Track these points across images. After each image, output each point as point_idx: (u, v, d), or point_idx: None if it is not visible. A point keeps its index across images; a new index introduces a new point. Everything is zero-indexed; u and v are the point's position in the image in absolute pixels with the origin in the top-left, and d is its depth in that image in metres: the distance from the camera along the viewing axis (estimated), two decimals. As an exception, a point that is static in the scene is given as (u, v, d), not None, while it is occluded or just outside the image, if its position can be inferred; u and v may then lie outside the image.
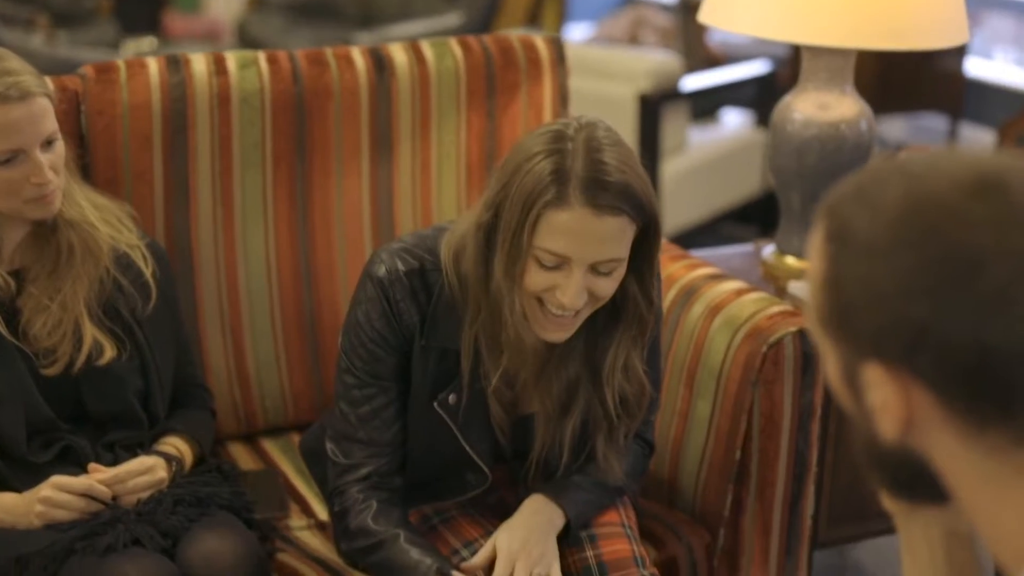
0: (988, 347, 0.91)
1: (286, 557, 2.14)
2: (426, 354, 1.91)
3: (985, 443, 0.95)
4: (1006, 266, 0.91)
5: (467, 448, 1.94)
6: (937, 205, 0.94)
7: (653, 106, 4.47)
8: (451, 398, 1.91)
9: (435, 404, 1.91)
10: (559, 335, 1.83)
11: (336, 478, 1.96)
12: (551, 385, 1.92)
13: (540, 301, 1.80)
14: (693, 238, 4.53)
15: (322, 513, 2.28)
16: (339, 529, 1.98)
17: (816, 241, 1.04)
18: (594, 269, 1.76)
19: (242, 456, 2.48)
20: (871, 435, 1.03)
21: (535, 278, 1.77)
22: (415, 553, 1.85)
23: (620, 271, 1.80)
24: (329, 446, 1.98)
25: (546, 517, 1.93)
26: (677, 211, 4.63)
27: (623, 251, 1.79)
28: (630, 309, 1.88)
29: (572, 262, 1.74)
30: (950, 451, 0.97)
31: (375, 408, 1.93)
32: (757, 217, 5.07)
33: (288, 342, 2.50)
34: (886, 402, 0.98)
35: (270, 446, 2.51)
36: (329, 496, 2.00)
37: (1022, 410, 0.92)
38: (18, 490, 1.98)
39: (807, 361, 2.21)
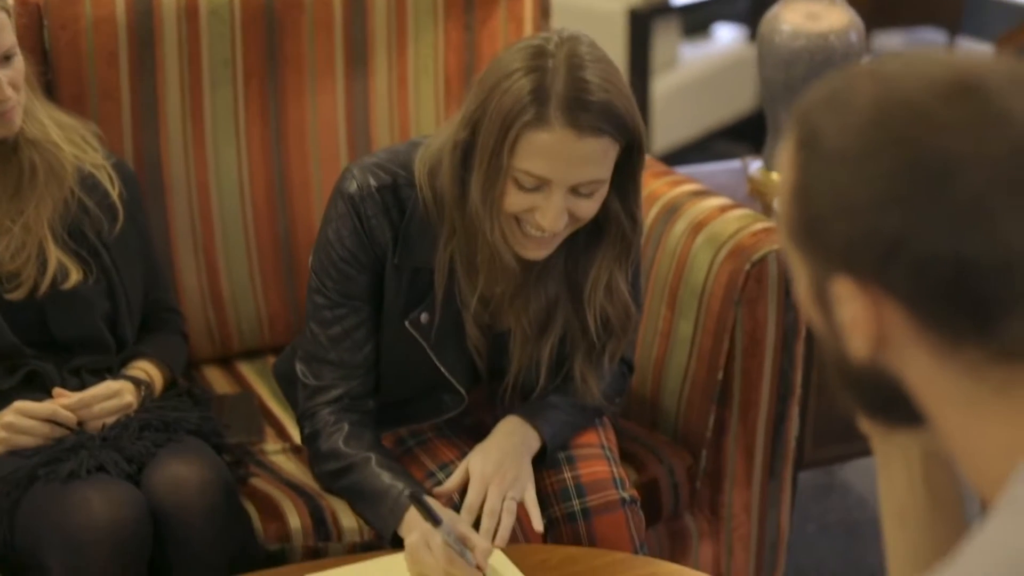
0: (964, 259, 0.85)
1: (260, 482, 2.10)
2: (398, 273, 1.86)
3: (960, 361, 0.89)
4: (983, 173, 0.85)
5: (442, 369, 1.89)
6: (910, 109, 0.88)
7: (643, 21, 4.37)
8: (423, 317, 1.86)
9: (407, 323, 1.86)
10: (538, 253, 1.78)
11: (306, 400, 1.92)
12: (528, 304, 1.87)
13: (518, 221, 1.74)
14: (684, 156, 4.45)
15: (297, 437, 2.23)
16: (311, 452, 1.94)
17: (786, 150, 0.98)
18: (575, 191, 1.71)
19: (217, 379, 2.43)
20: (841, 354, 0.97)
21: (513, 200, 1.71)
22: (387, 477, 1.82)
23: (602, 192, 1.75)
24: (299, 367, 1.93)
25: (520, 439, 1.88)
26: (668, 129, 4.56)
27: (605, 172, 1.73)
28: (613, 228, 1.83)
29: (552, 184, 1.69)
30: (924, 371, 0.92)
31: (346, 329, 1.88)
32: (750, 135, 4.98)
33: (263, 263, 2.44)
34: (856, 318, 0.92)
35: (246, 369, 2.47)
36: (300, 419, 1.96)
37: (999, 326, 0.86)
38: (-18, 416, 1.94)
39: (790, 279, 2.16)
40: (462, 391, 1.92)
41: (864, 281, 0.91)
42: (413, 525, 1.73)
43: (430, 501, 1.72)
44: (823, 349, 1.02)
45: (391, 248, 1.85)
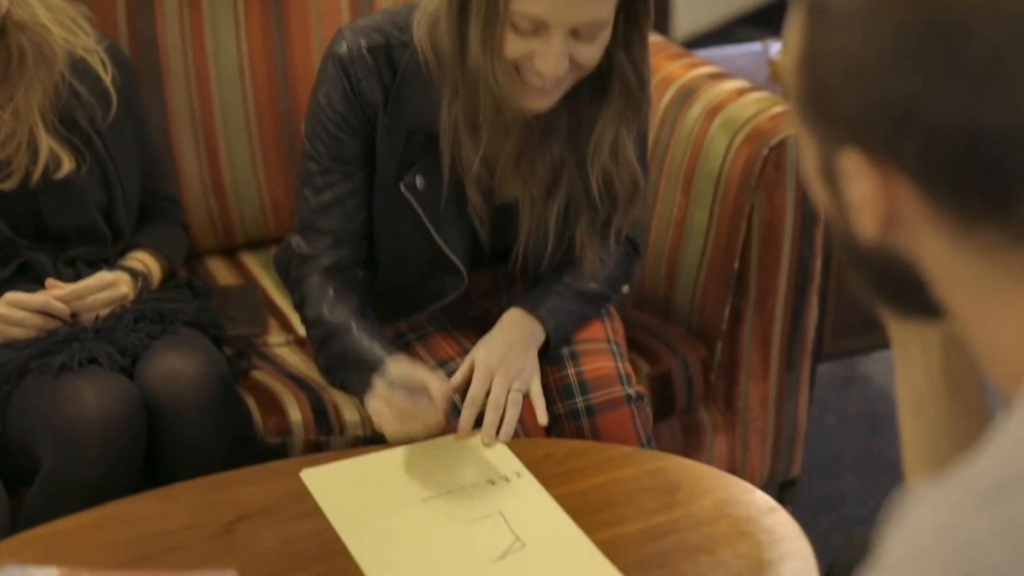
0: (978, 128, 0.77)
1: (261, 375, 2.05)
2: (391, 135, 1.80)
3: (977, 243, 0.82)
4: (999, 32, 0.76)
5: (439, 242, 1.83)
6: None
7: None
8: (419, 181, 1.81)
9: (401, 185, 1.80)
10: (540, 103, 1.72)
11: (297, 268, 1.89)
12: (534, 166, 1.81)
13: (519, 69, 1.68)
14: (706, 42, 4.33)
15: (301, 329, 2.18)
16: (300, 318, 1.93)
17: (794, 16, 0.90)
18: (575, 34, 1.64)
19: (221, 271, 2.38)
20: (849, 234, 0.90)
21: (512, 46, 1.65)
22: (365, 343, 1.79)
23: (604, 36, 1.68)
24: (293, 238, 1.89)
25: (526, 331, 1.83)
26: (689, 13, 4.44)
27: (605, 13, 1.66)
28: (617, 82, 1.76)
29: (551, 27, 1.62)
30: (937, 253, 0.85)
31: (338, 196, 1.84)
32: (775, 22, 4.85)
33: (265, 150, 2.37)
34: (865, 195, 0.85)
35: (250, 260, 2.41)
36: (291, 288, 1.93)
37: (1016, 204, 0.79)
38: (-26, 308, 1.89)
39: (810, 164, 2.07)
40: (461, 268, 1.86)
41: (873, 154, 0.84)
42: (372, 391, 1.68)
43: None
44: (830, 229, 0.95)
45: (382, 107, 1.79)
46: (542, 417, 1.75)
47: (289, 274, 1.97)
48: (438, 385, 1.65)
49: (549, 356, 1.86)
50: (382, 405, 1.67)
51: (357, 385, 1.78)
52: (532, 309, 1.85)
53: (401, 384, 1.62)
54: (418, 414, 1.64)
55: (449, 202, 1.82)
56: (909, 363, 1.11)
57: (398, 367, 1.65)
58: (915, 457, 1.12)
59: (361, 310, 1.85)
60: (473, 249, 1.89)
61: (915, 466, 1.12)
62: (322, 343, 1.86)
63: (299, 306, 1.90)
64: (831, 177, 0.89)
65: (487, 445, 1.69)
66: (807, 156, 0.92)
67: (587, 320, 1.92)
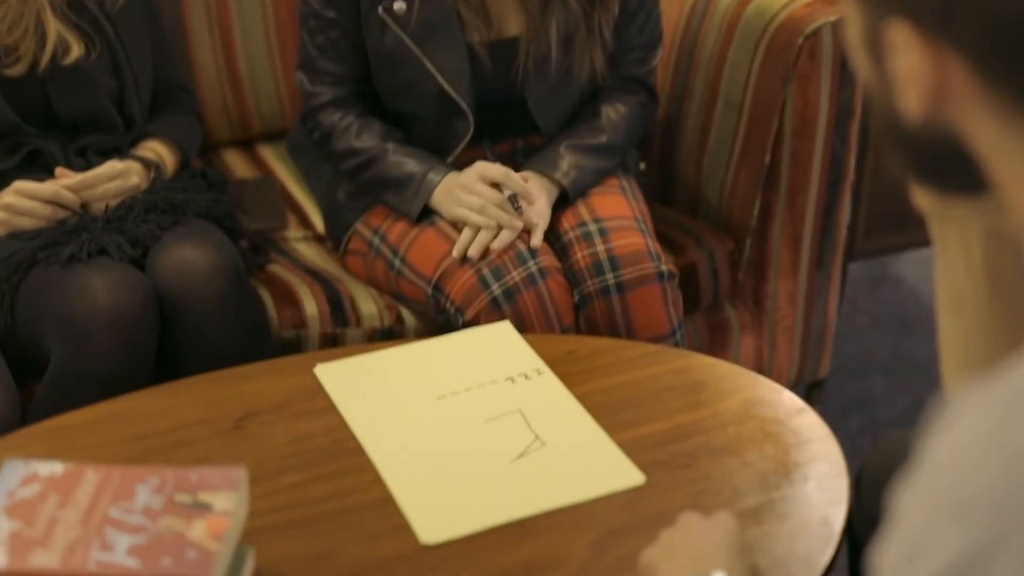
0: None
1: (277, 268, 2.01)
2: None
3: (1030, 124, 0.75)
4: None
5: (431, 70, 1.84)
6: None
7: None
8: (397, 5, 1.83)
9: (379, 9, 1.83)
10: None
11: (305, 104, 1.95)
12: None
13: None
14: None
15: (320, 225, 2.13)
16: (326, 155, 1.96)
17: None
18: None
19: (238, 163, 2.32)
20: (892, 110, 0.84)
21: None
22: (409, 164, 1.86)
23: None
24: (297, 76, 1.96)
25: (537, 186, 1.86)
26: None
27: None
28: None
29: None
30: (987, 133, 0.79)
31: (331, 38, 1.90)
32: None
33: (281, 37, 2.30)
34: (912, 69, 0.78)
35: (267, 152, 2.35)
36: (303, 122, 1.97)
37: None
38: (-18, 198, 1.84)
39: (847, 54, 1.99)
40: (464, 106, 1.86)
41: (924, 29, 0.78)
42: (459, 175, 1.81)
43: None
44: (872, 104, 0.89)
45: None
46: (536, 240, 1.80)
47: (303, 153, 1.98)
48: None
49: (576, 235, 1.86)
50: (475, 178, 1.80)
51: (404, 202, 1.86)
52: (543, 168, 1.88)
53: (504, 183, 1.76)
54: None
55: (440, 31, 1.83)
56: (949, 259, 1.06)
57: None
58: (953, 357, 1.07)
59: (390, 132, 1.89)
60: (479, 88, 1.88)
61: (953, 366, 1.08)
62: (358, 170, 1.90)
63: (322, 143, 1.93)
64: (876, 49, 0.83)
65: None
66: (852, 26, 0.86)
67: (604, 173, 1.93)
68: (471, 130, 1.88)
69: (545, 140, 1.94)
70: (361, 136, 1.88)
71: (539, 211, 1.82)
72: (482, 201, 1.79)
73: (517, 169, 1.88)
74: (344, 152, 1.90)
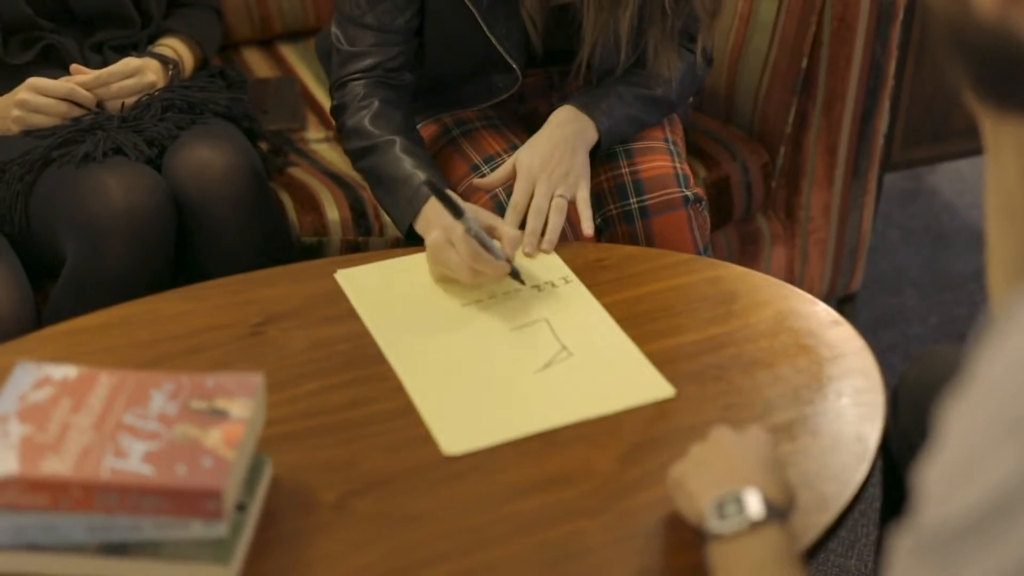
0: None
1: (298, 172, 1.96)
2: None
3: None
4: None
5: (493, 40, 1.70)
6: None
7: None
8: None
9: None
10: None
11: (339, 67, 1.73)
12: None
13: None
14: None
15: (341, 125, 2.08)
16: (337, 125, 1.76)
17: None
18: None
19: (258, 63, 2.27)
20: (961, 10, 0.78)
21: None
22: (408, 164, 1.63)
23: None
24: (334, 31, 1.74)
25: (574, 130, 1.68)
26: None
27: None
28: None
29: None
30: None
31: None
32: None
33: (305, -68, 2.24)
34: (987, -37, 0.72)
35: (288, 51, 2.29)
36: (331, 88, 1.77)
37: None
38: (-3, 94, 1.79)
39: (891, -46, 1.92)
40: (515, 67, 1.73)
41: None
42: (433, 221, 1.56)
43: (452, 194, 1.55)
44: (932, 6, 0.83)
45: None
46: (587, 227, 1.62)
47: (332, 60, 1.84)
48: (512, 235, 1.52)
49: (601, 155, 1.74)
50: (444, 243, 1.51)
51: (394, 206, 1.64)
52: (585, 107, 1.71)
53: (471, 225, 1.48)
54: (483, 264, 1.49)
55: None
56: (1002, 167, 1.00)
57: (471, 208, 1.51)
58: (1002, 267, 1.02)
59: (406, 127, 1.70)
60: (525, 45, 1.75)
61: (1001, 277, 1.03)
62: (360, 154, 1.70)
63: (336, 111, 1.75)
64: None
65: (528, 255, 1.59)
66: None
67: (647, 126, 1.78)
68: (516, 86, 1.76)
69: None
70: (376, 120, 1.68)
71: (582, 198, 1.64)
72: (456, 259, 1.51)
73: (552, 103, 1.76)
74: (352, 129, 1.70)
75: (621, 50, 1.70)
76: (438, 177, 1.62)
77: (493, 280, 1.52)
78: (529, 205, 1.62)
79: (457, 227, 1.49)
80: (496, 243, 1.50)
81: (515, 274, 1.52)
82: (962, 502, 0.68)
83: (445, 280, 1.54)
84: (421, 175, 1.61)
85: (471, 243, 1.48)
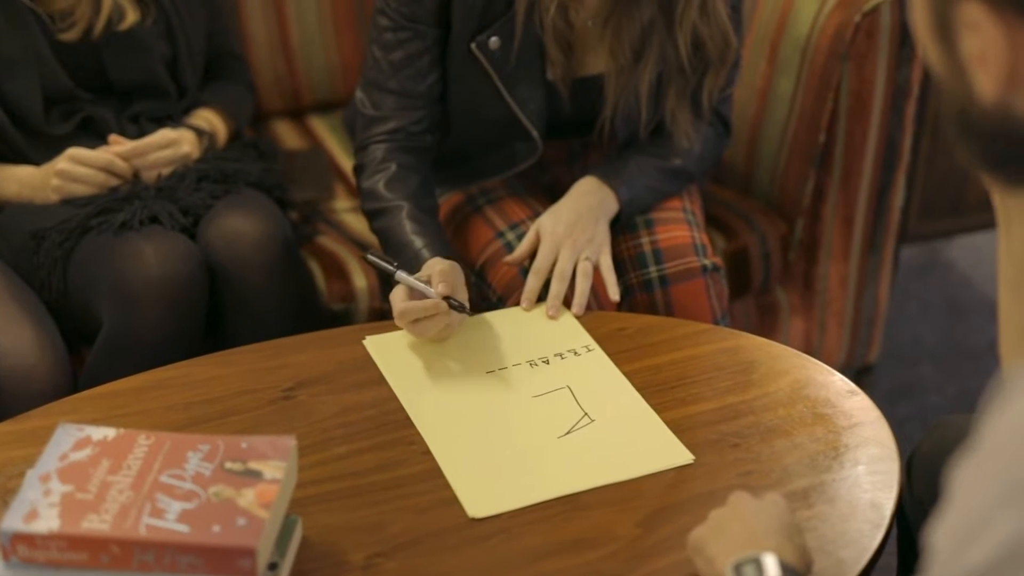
0: None
1: (326, 240, 2.01)
2: None
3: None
4: None
5: (513, 106, 1.75)
6: None
7: None
8: (492, 41, 1.71)
9: (473, 45, 1.71)
10: None
11: (363, 130, 1.78)
12: (621, 30, 1.71)
13: None
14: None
15: (368, 195, 2.13)
16: (356, 185, 1.81)
17: None
18: None
19: (288, 134, 2.32)
20: (964, 96, 0.82)
21: None
22: (409, 229, 1.67)
23: None
24: (359, 95, 1.79)
25: (597, 199, 1.74)
26: None
27: None
28: None
29: None
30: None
31: (410, 54, 1.74)
32: None
33: (335, 7, 2.30)
34: (985, 50, 0.77)
35: (317, 124, 2.35)
36: (355, 150, 1.81)
37: None
38: (36, 163, 1.85)
39: (905, 33, 1.96)
40: (535, 135, 1.78)
41: (998, 7, 0.76)
42: (396, 294, 1.59)
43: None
44: (941, 92, 0.87)
45: None
46: (613, 292, 1.68)
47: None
48: (436, 269, 1.56)
49: (621, 225, 1.79)
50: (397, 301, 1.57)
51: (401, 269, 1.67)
52: (606, 177, 1.77)
53: (403, 277, 1.56)
54: (415, 306, 1.53)
55: (524, 66, 1.74)
56: (1013, 238, 1.03)
57: (405, 278, 1.57)
58: (1013, 337, 1.05)
59: (420, 193, 1.74)
60: (551, 118, 1.81)
61: (1012, 346, 1.06)
62: (371, 216, 1.74)
63: (356, 171, 1.79)
64: (946, 32, 0.81)
65: (552, 318, 1.63)
66: (918, 10, 0.84)
67: (667, 196, 1.83)
68: (537, 154, 1.80)
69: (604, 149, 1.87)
70: (392, 184, 1.72)
71: (606, 265, 1.70)
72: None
73: (574, 174, 1.82)
74: (368, 191, 1.74)
75: (642, 111, 1.75)
76: (439, 244, 1.66)
77: (435, 321, 1.54)
78: (552, 270, 1.67)
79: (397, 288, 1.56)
80: (426, 286, 1.54)
81: (457, 306, 1.54)
82: (970, 560, 0.71)
83: (466, 346, 1.58)
84: (419, 242, 1.65)
85: (399, 291, 1.55)
